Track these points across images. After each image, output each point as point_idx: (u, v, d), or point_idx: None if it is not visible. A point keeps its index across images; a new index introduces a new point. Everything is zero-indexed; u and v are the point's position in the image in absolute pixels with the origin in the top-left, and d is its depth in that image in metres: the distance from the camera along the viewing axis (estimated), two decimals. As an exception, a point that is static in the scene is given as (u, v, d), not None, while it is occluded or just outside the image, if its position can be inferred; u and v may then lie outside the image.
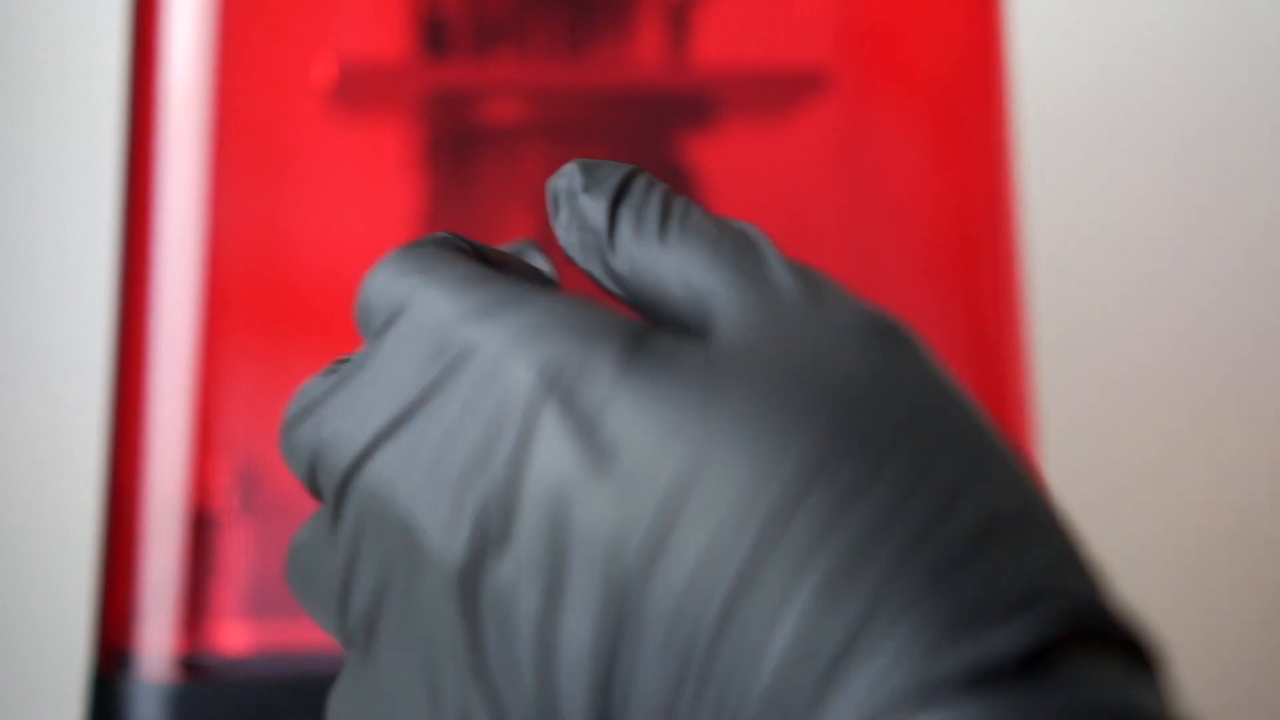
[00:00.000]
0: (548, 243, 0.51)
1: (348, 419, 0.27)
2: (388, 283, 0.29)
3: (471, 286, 0.27)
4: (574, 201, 0.29)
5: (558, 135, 0.51)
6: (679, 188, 0.53)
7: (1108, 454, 0.93)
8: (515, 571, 0.25)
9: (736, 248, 0.27)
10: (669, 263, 0.27)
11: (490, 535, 0.25)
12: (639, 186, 0.28)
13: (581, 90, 0.52)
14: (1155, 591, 0.93)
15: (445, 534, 0.25)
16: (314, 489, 0.28)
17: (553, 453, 0.24)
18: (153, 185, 0.50)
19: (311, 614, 0.29)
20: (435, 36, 0.52)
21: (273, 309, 0.51)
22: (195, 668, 0.46)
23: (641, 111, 0.52)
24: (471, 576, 0.25)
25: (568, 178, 0.29)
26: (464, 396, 0.26)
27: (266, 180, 0.51)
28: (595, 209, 0.28)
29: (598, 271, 0.29)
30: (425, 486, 0.26)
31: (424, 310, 0.27)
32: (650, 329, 0.25)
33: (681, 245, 0.27)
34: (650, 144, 0.52)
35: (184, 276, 0.49)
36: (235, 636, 0.47)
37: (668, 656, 0.23)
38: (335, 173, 0.53)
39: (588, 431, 0.24)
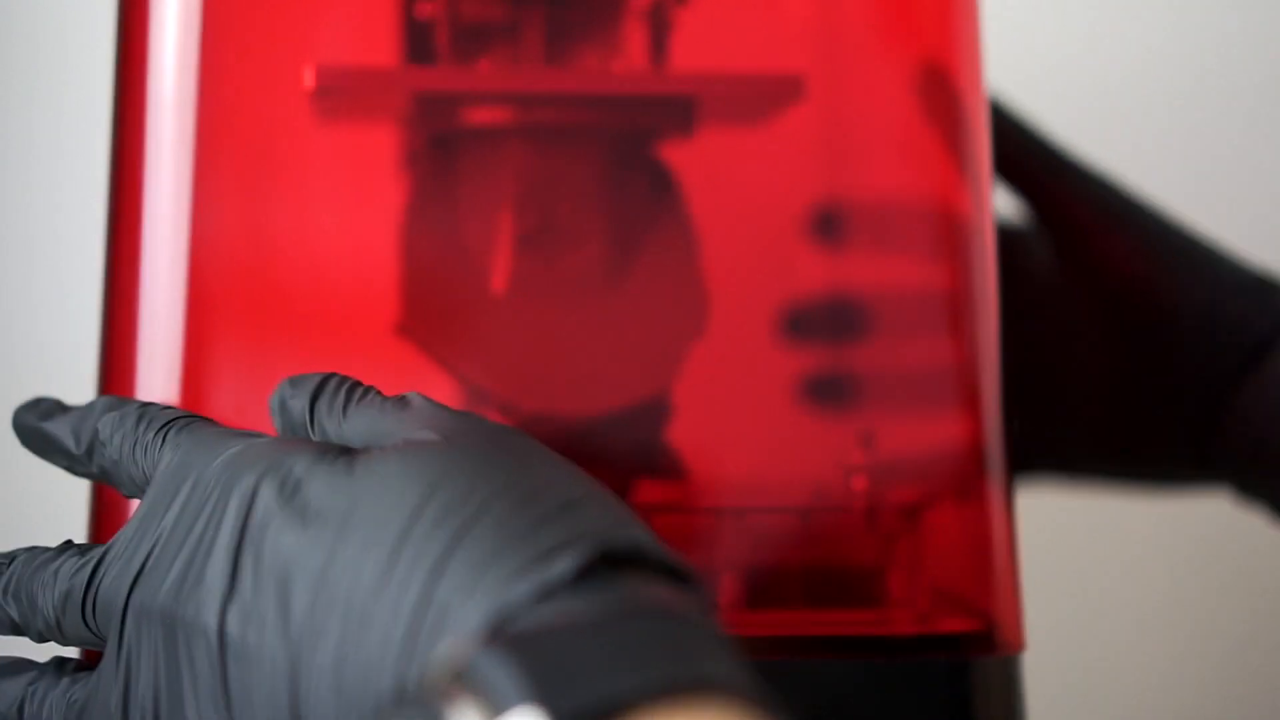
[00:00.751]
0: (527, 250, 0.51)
1: (116, 566, 0.39)
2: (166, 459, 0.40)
3: (211, 443, 0.39)
4: (283, 406, 0.41)
5: (541, 139, 0.52)
6: (660, 189, 0.53)
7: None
8: (248, 600, 0.36)
9: (395, 407, 0.40)
10: (349, 429, 0.40)
11: (228, 585, 0.36)
12: (330, 385, 0.41)
13: (564, 95, 0.52)
14: (1155, 590, 0.94)
15: (198, 605, 0.36)
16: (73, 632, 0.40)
17: (268, 510, 0.36)
18: (139, 190, 0.50)
19: None
20: (419, 41, 0.53)
21: (258, 314, 0.51)
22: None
23: (623, 114, 0.53)
24: (219, 622, 0.36)
25: (278, 391, 0.41)
26: (195, 506, 0.38)
27: (252, 185, 0.52)
28: (298, 407, 0.41)
29: None
30: (176, 579, 0.37)
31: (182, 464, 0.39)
32: (333, 446, 0.38)
33: (356, 417, 0.40)
34: (631, 147, 0.53)
35: (169, 281, 0.50)
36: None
37: (331, 618, 0.34)
38: (321, 177, 0.54)
39: (292, 494, 0.36)
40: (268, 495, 0.36)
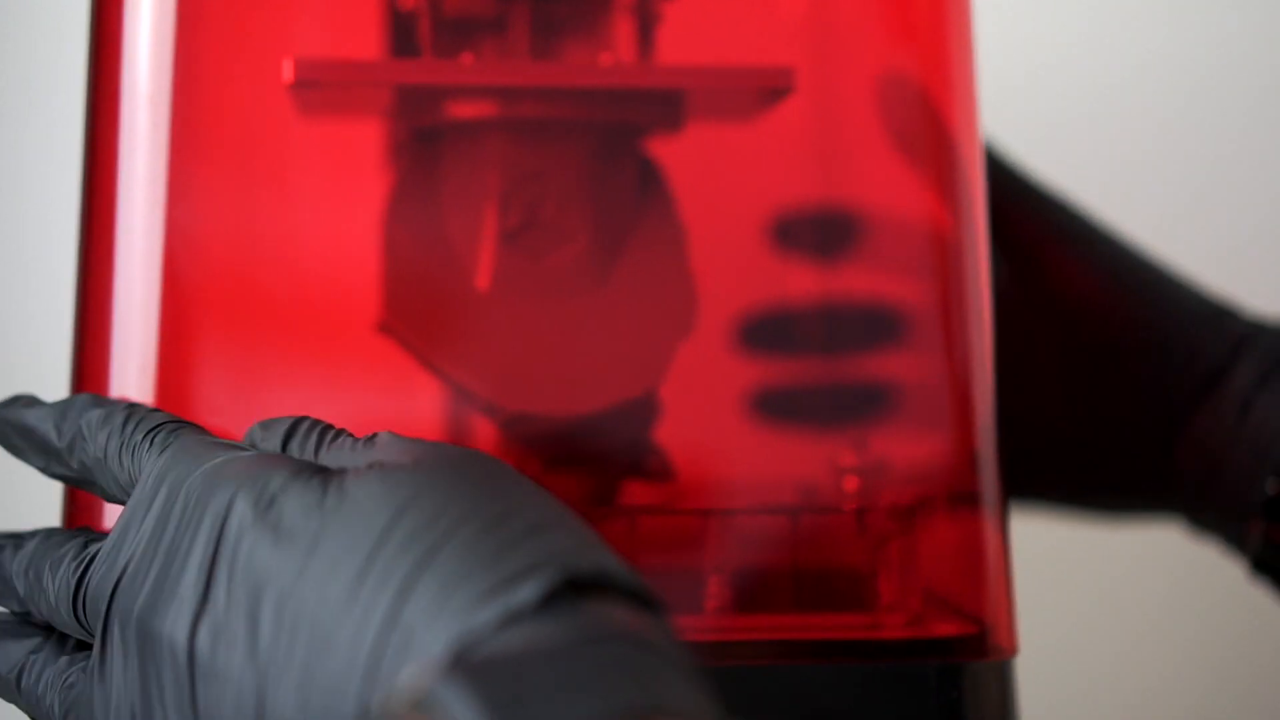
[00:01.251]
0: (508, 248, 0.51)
1: (102, 569, 0.39)
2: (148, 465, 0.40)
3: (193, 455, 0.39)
4: (253, 448, 0.41)
5: (526, 134, 0.51)
6: (648, 185, 0.53)
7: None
8: (219, 617, 0.36)
9: (364, 445, 0.40)
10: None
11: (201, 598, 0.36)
12: (302, 427, 0.41)
13: (549, 89, 0.52)
14: (1152, 595, 0.94)
15: (170, 619, 0.37)
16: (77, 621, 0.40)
17: (242, 526, 0.36)
18: (113, 187, 0.50)
19: None
20: (402, 34, 0.52)
21: (236, 313, 0.51)
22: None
23: (610, 109, 0.52)
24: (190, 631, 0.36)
25: (249, 434, 0.42)
26: (172, 516, 0.38)
27: (231, 181, 0.51)
28: (270, 449, 0.41)
29: None
30: (151, 590, 0.37)
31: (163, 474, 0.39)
32: (311, 465, 0.38)
33: (326, 459, 0.40)
34: (618, 142, 0.52)
35: (145, 280, 0.49)
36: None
37: (297, 638, 0.35)
38: (301, 172, 0.53)
39: (266, 509, 0.36)
40: (243, 510, 0.37)
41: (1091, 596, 0.93)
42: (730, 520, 0.50)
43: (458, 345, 0.50)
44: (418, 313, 0.50)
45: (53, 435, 0.43)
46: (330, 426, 0.42)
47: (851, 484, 0.53)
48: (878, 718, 0.47)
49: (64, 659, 0.41)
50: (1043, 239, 0.57)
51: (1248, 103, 0.92)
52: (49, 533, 0.43)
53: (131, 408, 0.43)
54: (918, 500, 0.53)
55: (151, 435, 0.41)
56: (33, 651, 0.42)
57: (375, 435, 0.41)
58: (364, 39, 0.53)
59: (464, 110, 0.51)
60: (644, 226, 0.53)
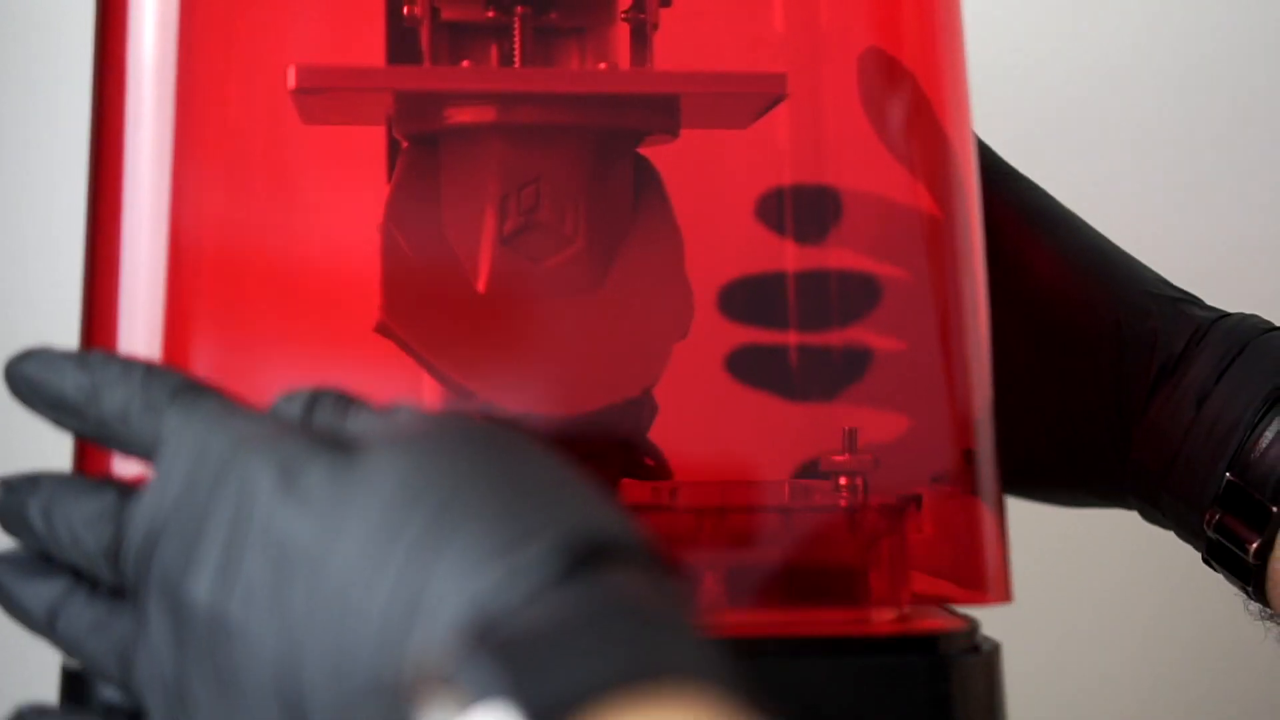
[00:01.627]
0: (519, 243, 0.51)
1: (137, 528, 0.39)
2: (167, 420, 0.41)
3: (220, 421, 0.40)
4: (274, 410, 0.42)
5: (524, 138, 0.52)
6: (644, 188, 0.53)
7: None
8: (241, 582, 0.37)
9: (387, 416, 0.40)
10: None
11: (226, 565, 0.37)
12: (326, 396, 0.41)
13: (547, 95, 0.52)
14: (1153, 586, 0.94)
15: (194, 582, 0.37)
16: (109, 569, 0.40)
17: (267, 495, 0.37)
18: (118, 187, 0.50)
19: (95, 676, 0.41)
20: (403, 40, 0.53)
21: (237, 314, 0.51)
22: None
23: (608, 114, 0.53)
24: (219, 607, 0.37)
25: (273, 407, 0.42)
26: (198, 482, 0.38)
27: (233, 183, 0.52)
28: (289, 409, 0.41)
29: None
30: (182, 548, 0.38)
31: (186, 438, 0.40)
32: (333, 436, 0.39)
33: (350, 424, 0.41)
34: (615, 145, 0.53)
35: (148, 281, 0.50)
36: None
37: (318, 606, 0.35)
38: (301, 175, 0.54)
39: (289, 479, 0.37)
40: (267, 479, 0.37)
41: (1083, 596, 0.94)
42: (723, 518, 0.51)
43: (457, 346, 0.51)
44: (417, 314, 0.51)
45: (69, 389, 0.42)
46: (352, 397, 0.42)
47: (844, 482, 0.54)
48: (868, 712, 0.47)
49: (102, 606, 0.41)
50: (1006, 219, 0.57)
51: (1237, 99, 0.93)
52: (66, 479, 0.42)
53: (150, 365, 0.42)
54: (909, 496, 0.54)
55: (174, 395, 0.41)
56: (65, 594, 0.41)
57: (396, 407, 0.41)
58: (365, 45, 0.53)
59: (463, 115, 0.52)
60: (640, 229, 0.53)
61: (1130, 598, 0.93)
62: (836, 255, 0.55)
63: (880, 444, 0.53)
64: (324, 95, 0.51)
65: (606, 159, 0.53)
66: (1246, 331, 0.55)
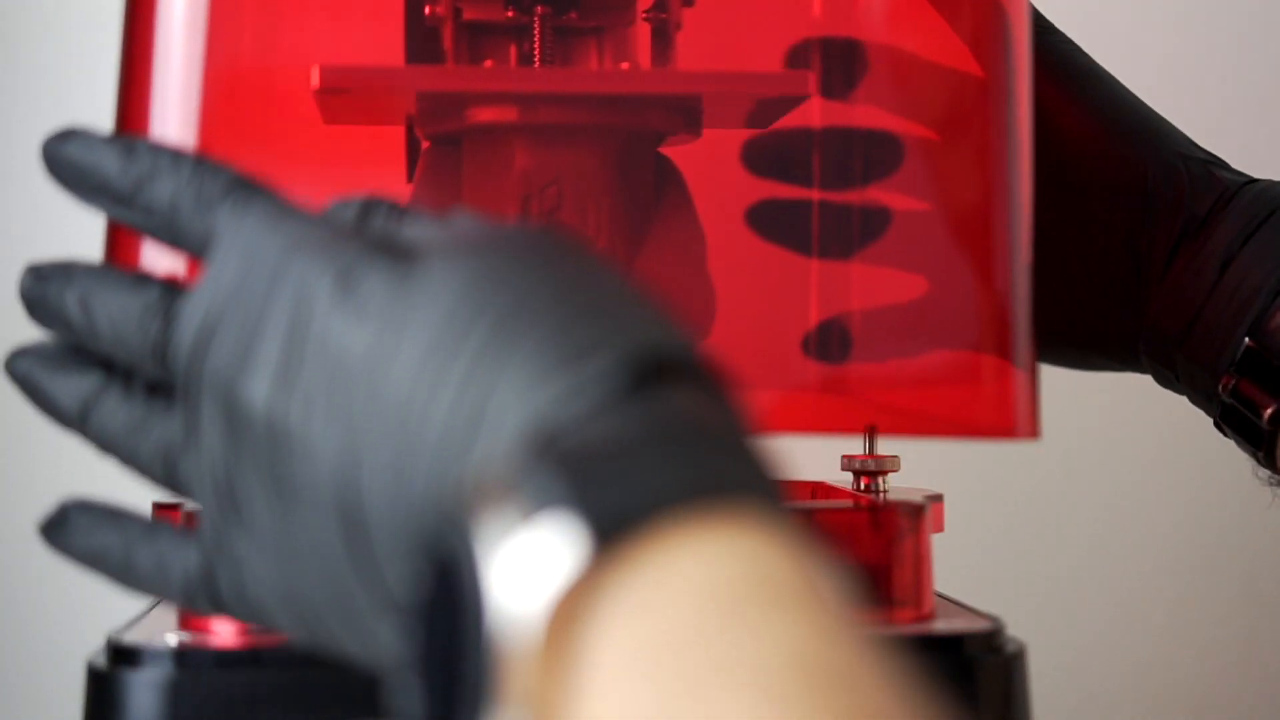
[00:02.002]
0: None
1: (187, 326, 0.38)
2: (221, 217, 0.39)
3: (273, 222, 0.38)
4: (328, 214, 0.40)
5: (546, 138, 0.52)
6: (666, 187, 0.53)
7: (1107, 451, 0.94)
8: (298, 389, 0.36)
9: (443, 224, 0.39)
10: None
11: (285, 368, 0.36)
12: (380, 205, 0.40)
13: (569, 95, 0.52)
14: (1154, 583, 0.94)
15: (251, 387, 0.36)
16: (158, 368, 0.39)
17: (323, 302, 0.36)
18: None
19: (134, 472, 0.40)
20: (424, 40, 0.53)
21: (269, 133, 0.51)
22: (191, 660, 0.47)
23: (628, 115, 0.53)
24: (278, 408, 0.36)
25: (329, 211, 0.41)
26: (251, 285, 0.37)
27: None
28: (343, 214, 0.40)
29: None
30: (237, 349, 0.37)
31: (241, 234, 0.38)
32: (390, 243, 0.37)
33: (405, 232, 0.39)
34: (636, 145, 0.53)
35: (183, 99, 0.50)
36: (230, 630, 0.48)
37: (378, 417, 0.34)
38: (324, 175, 0.54)
39: (346, 287, 0.36)
40: (324, 287, 0.36)
41: (1107, 597, 0.94)
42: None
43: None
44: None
45: (114, 175, 0.40)
46: (406, 206, 0.41)
47: (866, 481, 0.54)
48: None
49: (139, 403, 0.40)
50: (1039, 72, 0.56)
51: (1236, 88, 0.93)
52: (103, 271, 0.40)
53: (200, 158, 0.40)
54: (931, 496, 0.54)
55: (227, 191, 0.39)
56: (99, 389, 0.40)
57: (452, 214, 0.40)
58: (388, 46, 0.53)
59: (486, 115, 0.52)
60: (662, 228, 0.53)
61: (1150, 598, 0.93)
62: (863, 113, 0.55)
63: (901, 305, 0.53)
64: (347, 95, 0.51)
65: (628, 159, 0.53)
66: (1275, 198, 0.55)
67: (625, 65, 0.54)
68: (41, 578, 0.84)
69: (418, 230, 0.39)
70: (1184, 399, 0.57)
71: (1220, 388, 0.54)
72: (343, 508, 0.35)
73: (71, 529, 0.40)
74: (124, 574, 0.40)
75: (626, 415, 0.32)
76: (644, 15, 0.54)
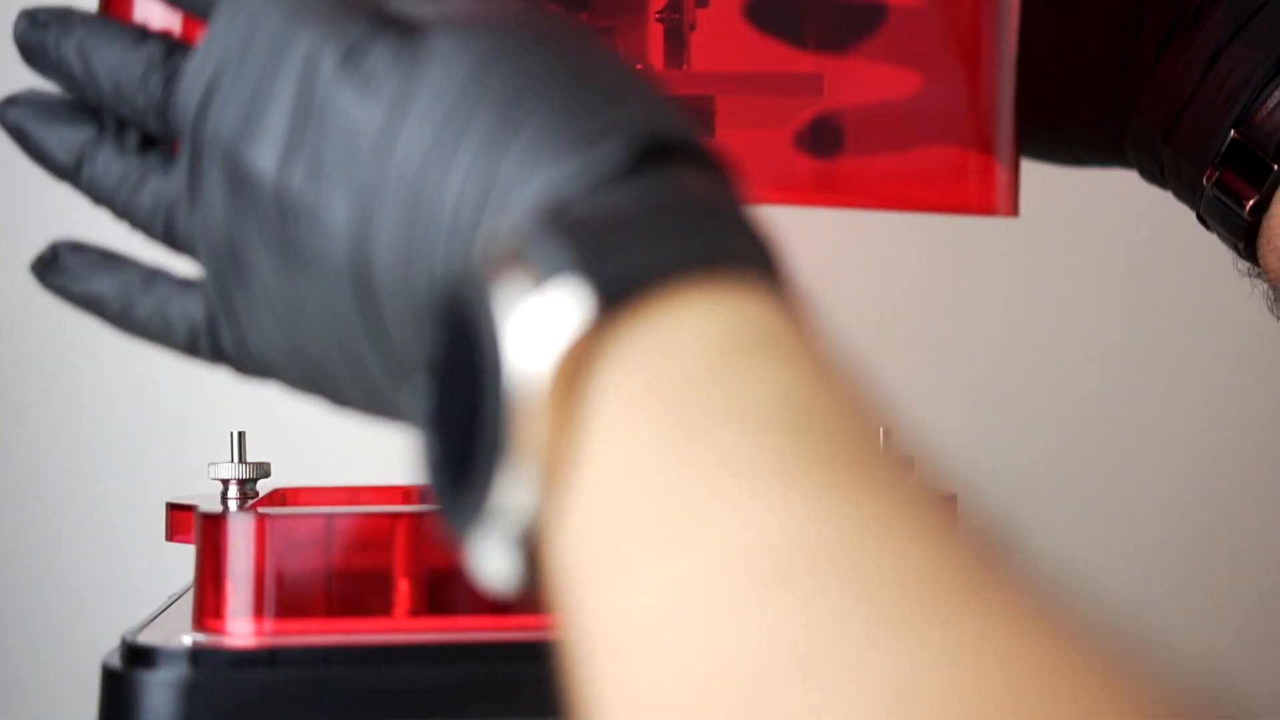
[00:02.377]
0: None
1: (190, 86, 0.38)
2: None
3: None
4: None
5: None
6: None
7: (1106, 448, 0.94)
8: (307, 158, 0.37)
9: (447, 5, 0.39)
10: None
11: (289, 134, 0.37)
12: None
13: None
14: (1152, 582, 0.94)
15: (259, 154, 0.37)
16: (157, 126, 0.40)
17: (330, 74, 0.36)
18: None
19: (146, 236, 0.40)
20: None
21: None
22: (206, 660, 0.47)
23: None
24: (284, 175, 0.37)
25: None
26: (255, 52, 0.37)
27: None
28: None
29: None
30: (242, 113, 0.37)
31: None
32: (397, 16, 0.37)
33: (409, 5, 0.38)
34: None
35: None
36: (245, 630, 0.48)
37: (391, 190, 0.35)
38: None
39: (352, 61, 0.36)
40: (329, 59, 0.37)
41: (1107, 596, 0.94)
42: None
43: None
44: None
45: None
46: None
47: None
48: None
49: (134, 158, 0.40)
50: None
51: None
52: (101, 21, 0.41)
53: None
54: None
55: None
56: (93, 141, 0.40)
57: None
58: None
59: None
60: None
61: (1151, 598, 0.94)
62: None
63: (892, 101, 0.54)
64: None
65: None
66: None
67: (639, 67, 0.54)
68: (56, 579, 0.84)
69: (422, 4, 0.39)
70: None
71: (1204, 179, 0.54)
72: (356, 277, 0.36)
73: (66, 271, 0.41)
74: (123, 320, 0.41)
75: (632, 189, 0.33)
76: (657, 16, 0.54)
